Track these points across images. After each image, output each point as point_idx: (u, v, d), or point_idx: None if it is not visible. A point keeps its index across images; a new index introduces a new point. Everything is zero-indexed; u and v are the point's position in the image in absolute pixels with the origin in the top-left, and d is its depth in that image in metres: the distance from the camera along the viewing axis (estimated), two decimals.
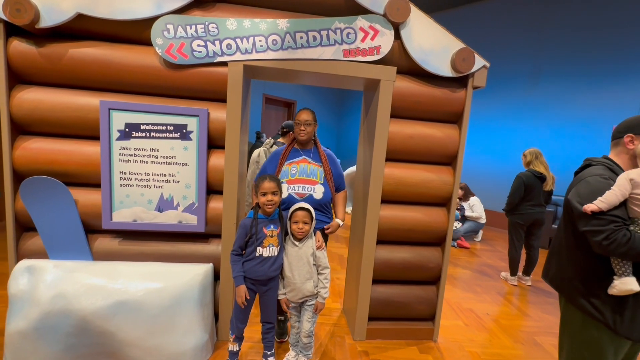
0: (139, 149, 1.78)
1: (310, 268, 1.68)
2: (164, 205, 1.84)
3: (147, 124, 1.77)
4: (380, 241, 2.12)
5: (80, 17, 1.64)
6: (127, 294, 1.67)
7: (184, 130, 1.80)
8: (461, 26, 6.32)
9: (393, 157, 2.06)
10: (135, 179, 1.80)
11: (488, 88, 4.02)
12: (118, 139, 1.76)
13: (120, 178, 1.78)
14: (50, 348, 1.63)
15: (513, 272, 3.49)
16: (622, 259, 1.13)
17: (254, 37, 1.78)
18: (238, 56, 1.79)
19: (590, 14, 5.01)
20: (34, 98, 1.70)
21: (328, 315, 2.47)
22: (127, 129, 1.75)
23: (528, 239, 3.43)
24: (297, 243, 1.68)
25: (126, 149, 1.77)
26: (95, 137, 1.79)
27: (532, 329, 2.56)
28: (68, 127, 1.76)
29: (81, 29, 1.71)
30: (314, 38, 1.82)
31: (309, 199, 1.84)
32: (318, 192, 1.87)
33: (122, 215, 1.81)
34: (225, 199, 1.88)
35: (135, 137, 1.77)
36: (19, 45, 1.66)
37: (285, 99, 8.10)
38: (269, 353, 1.77)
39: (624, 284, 1.11)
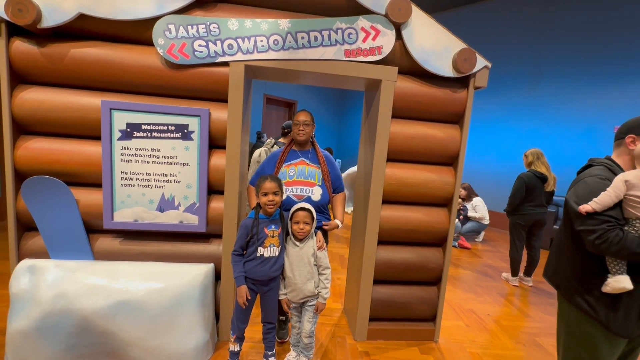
0: (140, 149, 1.78)
1: (311, 268, 1.67)
2: (165, 205, 1.84)
3: (149, 124, 1.77)
4: (381, 241, 2.12)
5: (82, 17, 1.64)
6: (128, 293, 1.67)
7: (185, 130, 1.80)
8: (462, 26, 6.31)
9: (394, 157, 2.06)
10: (137, 178, 1.80)
11: (489, 88, 4.02)
12: (119, 138, 1.76)
13: (122, 178, 1.79)
14: (52, 348, 1.63)
15: (514, 273, 3.48)
16: (615, 258, 1.15)
17: (255, 37, 1.78)
18: (239, 56, 1.79)
19: (591, 15, 5.00)
20: (35, 98, 1.70)
21: (329, 316, 2.47)
22: (128, 129, 1.76)
23: (529, 240, 3.42)
24: (298, 243, 1.68)
25: (127, 148, 1.77)
26: (96, 137, 1.79)
27: (534, 330, 2.55)
28: (69, 127, 1.76)
29: (83, 29, 1.71)
30: (316, 38, 1.82)
31: (307, 201, 1.84)
32: (316, 194, 1.86)
33: (123, 215, 1.81)
34: (226, 199, 1.88)
35: (136, 137, 1.77)
36: (20, 45, 1.66)
37: (286, 99, 8.10)
38: (269, 353, 1.77)
39: (617, 282, 1.14)
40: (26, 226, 1.85)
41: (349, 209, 5.90)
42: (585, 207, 1.17)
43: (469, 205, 5.12)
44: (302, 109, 1.96)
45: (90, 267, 1.75)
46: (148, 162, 1.80)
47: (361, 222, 2.19)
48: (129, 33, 1.74)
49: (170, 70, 1.77)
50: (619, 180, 1.14)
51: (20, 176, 1.77)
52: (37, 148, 1.74)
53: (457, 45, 1.91)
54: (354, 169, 5.50)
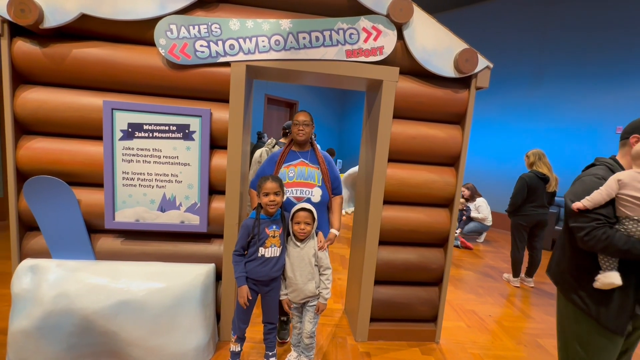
0: (141, 149, 1.78)
1: (312, 269, 1.67)
2: (166, 205, 1.84)
3: (150, 124, 1.77)
4: (383, 242, 2.11)
5: (83, 18, 1.65)
6: (130, 293, 1.68)
7: (187, 131, 1.80)
8: (463, 27, 6.31)
9: (395, 157, 2.06)
10: (138, 179, 1.80)
11: (491, 89, 4.00)
12: (121, 139, 1.76)
13: (123, 178, 1.79)
14: (53, 347, 1.63)
15: (515, 274, 3.47)
16: (605, 255, 1.19)
17: (256, 38, 1.78)
18: (241, 56, 1.79)
19: (593, 15, 4.99)
20: (37, 98, 1.71)
21: (330, 316, 2.47)
22: (130, 129, 1.76)
23: (531, 241, 3.41)
24: (298, 244, 1.68)
25: (129, 149, 1.77)
26: (98, 137, 1.79)
27: (535, 331, 2.55)
28: (71, 127, 1.76)
29: (85, 29, 1.72)
30: (317, 38, 1.82)
31: (307, 202, 1.83)
32: (316, 195, 1.86)
33: (125, 215, 1.82)
34: (228, 199, 1.88)
35: (138, 137, 1.77)
36: (23, 46, 1.67)
37: (287, 99, 8.11)
38: (270, 354, 1.77)
39: (606, 278, 1.18)
40: (28, 226, 1.85)
41: (350, 209, 5.90)
42: (577, 205, 1.22)
43: (471, 206, 5.11)
44: (301, 110, 1.96)
45: (92, 267, 1.75)
46: (149, 162, 1.80)
47: (362, 222, 2.19)
48: (130, 33, 1.75)
49: (171, 70, 1.77)
50: (612, 179, 1.17)
51: (22, 176, 1.78)
52: (39, 148, 1.74)
53: (458, 45, 1.91)
54: (355, 169, 5.50)
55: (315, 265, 1.69)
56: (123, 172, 1.78)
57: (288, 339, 2.10)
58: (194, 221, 1.87)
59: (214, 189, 1.94)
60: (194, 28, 1.73)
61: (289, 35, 1.79)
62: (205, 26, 1.74)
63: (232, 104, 1.82)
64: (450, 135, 2.05)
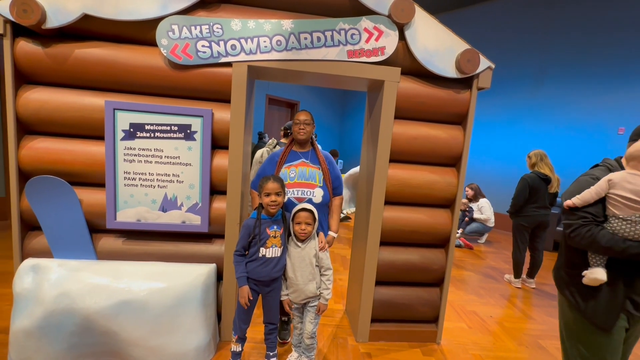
0: (143, 149, 1.79)
1: (312, 269, 1.67)
2: (167, 205, 1.85)
3: (152, 124, 1.77)
4: (384, 242, 2.11)
5: (86, 18, 1.65)
6: (131, 293, 1.68)
7: (188, 131, 1.80)
8: (465, 27, 6.29)
9: (397, 158, 2.05)
10: (140, 179, 1.81)
11: (493, 89, 3.99)
12: (123, 139, 1.76)
13: (125, 178, 1.79)
14: (54, 347, 1.64)
15: (517, 275, 3.46)
16: (592, 252, 1.24)
17: (258, 38, 1.78)
18: (242, 57, 1.80)
19: (595, 16, 4.97)
20: (39, 98, 1.71)
21: (331, 317, 2.47)
22: (131, 129, 1.76)
23: (532, 242, 3.40)
24: (299, 244, 1.68)
25: (131, 149, 1.78)
26: (100, 137, 1.80)
27: (536, 332, 2.54)
28: (73, 127, 1.77)
29: (87, 29, 1.72)
30: (318, 39, 1.82)
31: (308, 203, 1.83)
32: (317, 195, 1.86)
33: (126, 215, 1.82)
34: (229, 199, 1.89)
35: (139, 137, 1.78)
36: (25, 46, 1.67)
37: (288, 100, 8.11)
38: (271, 354, 1.77)
39: (592, 274, 1.22)
40: (30, 225, 1.86)
41: (352, 209, 5.90)
42: (567, 202, 1.28)
43: (474, 206, 5.10)
44: (302, 109, 1.96)
45: (93, 266, 1.76)
46: (151, 162, 1.80)
47: (363, 223, 2.18)
48: (132, 33, 1.75)
49: (173, 70, 1.77)
50: (603, 179, 1.21)
51: (24, 176, 1.78)
52: (41, 148, 1.75)
53: (460, 46, 1.90)
54: (356, 169, 5.49)
55: (316, 265, 1.69)
56: (125, 172, 1.79)
57: (289, 340, 2.10)
58: (195, 221, 1.87)
59: (215, 189, 1.94)
60: (195, 28, 1.73)
61: (290, 36, 1.79)
62: (207, 26, 1.74)
63: (233, 104, 1.83)
64: (452, 136, 2.05)
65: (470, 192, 5.16)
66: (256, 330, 2.09)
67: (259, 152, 2.94)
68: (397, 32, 1.85)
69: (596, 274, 1.20)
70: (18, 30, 1.68)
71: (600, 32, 4.93)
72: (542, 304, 3.07)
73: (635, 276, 1.20)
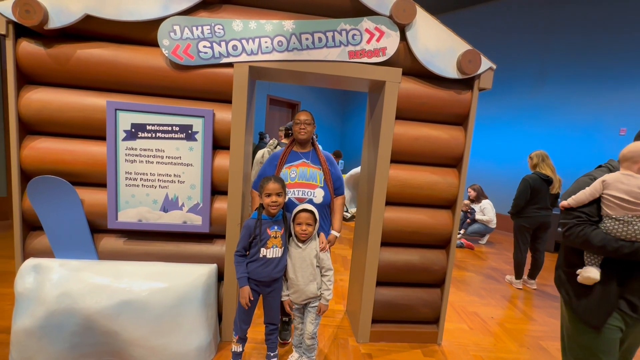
0: (144, 149, 1.79)
1: (313, 270, 1.67)
2: (169, 205, 1.85)
3: (153, 125, 1.78)
4: (385, 243, 2.11)
5: (88, 19, 1.66)
6: (132, 293, 1.68)
7: (190, 131, 1.81)
8: (466, 28, 6.29)
9: (398, 158, 2.05)
10: (141, 179, 1.81)
11: (494, 90, 3.99)
12: (124, 139, 1.77)
13: (126, 178, 1.80)
14: (55, 346, 1.64)
15: (518, 276, 3.45)
16: (587, 251, 1.26)
17: (259, 39, 1.78)
18: (244, 57, 1.80)
19: (596, 17, 4.96)
20: (41, 98, 1.72)
21: (331, 317, 2.46)
22: (133, 129, 1.77)
23: (534, 243, 3.39)
24: (300, 245, 1.68)
25: (132, 149, 1.78)
26: (101, 137, 1.80)
27: (538, 333, 2.53)
28: (75, 127, 1.77)
29: (89, 30, 1.73)
30: (320, 39, 1.82)
31: (309, 203, 1.83)
32: (318, 196, 1.86)
33: (128, 215, 1.82)
34: (230, 200, 1.89)
35: (141, 138, 1.78)
36: (27, 46, 1.68)
37: (289, 100, 8.12)
38: (272, 354, 1.76)
39: (585, 272, 1.24)
40: (31, 225, 1.86)
41: (353, 210, 5.89)
42: (563, 203, 1.31)
43: (476, 207, 5.08)
44: (303, 110, 1.96)
45: (95, 266, 1.76)
46: (152, 162, 1.81)
47: (364, 223, 2.18)
48: (134, 34, 1.75)
49: (174, 71, 1.78)
50: (598, 180, 1.24)
51: (26, 176, 1.79)
52: (43, 148, 1.75)
53: (461, 46, 1.90)
54: (357, 170, 5.50)
55: (317, 266, 1.69)
56: (126, 172, 1.79)
57: (290, 340, 2.10)
58: (196, 221, 1.87)
59: (217, 190, 1.94)
60: (197, 29, 1.74)
61: (291, 36, 1.80)
62: (209, 27, 1.75)
63: (234, 104, 1.83)
64: (453, 137, 2.05)
65: (472, 193, 5.14)
66: (257, 331, 2.09)
67: (260, 153, 2.95)
68: (398, 33, 1.84)
69: (589, 273, 1.22)
70: (20, 31, 1.69)
71: (601, 32, 4.92)
72: (543, 305, 3.06)
73: (629, 276, 1.21)
